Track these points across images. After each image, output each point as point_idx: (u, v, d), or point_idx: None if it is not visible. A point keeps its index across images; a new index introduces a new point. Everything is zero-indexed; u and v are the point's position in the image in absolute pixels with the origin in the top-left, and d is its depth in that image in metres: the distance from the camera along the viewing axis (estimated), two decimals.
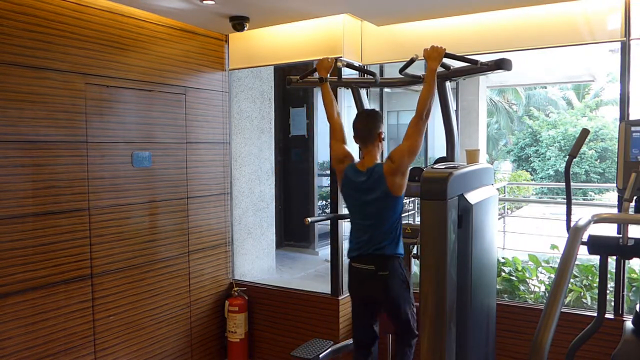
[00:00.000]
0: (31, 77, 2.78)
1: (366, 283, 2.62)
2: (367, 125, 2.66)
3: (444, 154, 2.95)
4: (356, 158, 2.76)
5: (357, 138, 2.70)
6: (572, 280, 3.56)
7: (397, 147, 2.53)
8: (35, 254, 2.82)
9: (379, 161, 2.64)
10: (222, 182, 4.09)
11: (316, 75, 2.88)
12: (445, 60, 2.57)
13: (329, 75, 2.84)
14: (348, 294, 3.73)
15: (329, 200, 5.39)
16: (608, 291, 2.76)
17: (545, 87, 17.86)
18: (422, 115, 2.48)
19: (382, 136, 2.67)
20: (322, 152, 6.43)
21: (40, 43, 2.82)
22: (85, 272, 3.07)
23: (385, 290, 2.57)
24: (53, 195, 2.90)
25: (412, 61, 2.64)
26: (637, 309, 1.78)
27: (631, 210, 2.04)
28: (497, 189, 3.17)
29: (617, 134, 2.57)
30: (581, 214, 1.48)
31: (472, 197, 2.39)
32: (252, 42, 3.97)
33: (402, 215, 2.65)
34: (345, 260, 3.81)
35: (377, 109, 6.71)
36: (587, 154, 15.02)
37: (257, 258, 4.54)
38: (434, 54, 2.47)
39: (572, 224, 1.39)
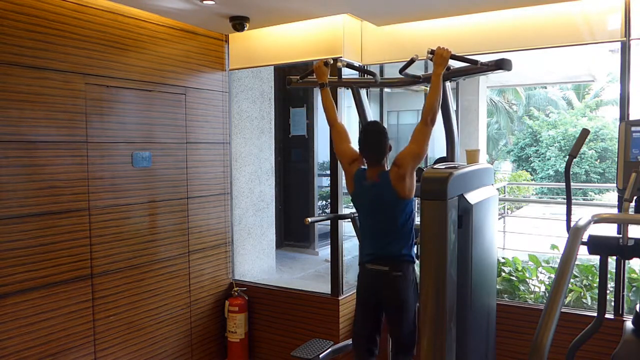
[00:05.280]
0: (31, 77, 2.78)
1: (378, 283, 2.60)
2: (379, 145, 2.59)
3: (444, 154, 2.95)
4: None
5: (368, 155, 2.62)
6: (572, 280, 3.56)
7: (403, 150, 2.52)
8: (35, 254, 2.82)
9: (386, 168, 2.63)
10: (222, 182, 4.09)
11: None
12: None
13: (328, 76, 2.85)
14: (348, 295, 3.74)
15: (329, 200, 5.39)
16: (608, 291, 2.76)
17: (546, 87, 17.86)
18: (427, 120, 2.47)
19: (390, 147, 2.64)
20: (322, 152, 6.42)
21: (40, 43, 2.82)
22: (85, 272, 3.07)
23: (396, 292, 2.55)
24: (53, 195, 2.90)
25: (412, 61, 2.63)
26: (637, 309, 1.78)
27: (631, 210, 2.04)
28: (497, 189, 3.16)
29: (617, 134, 2.57)
30: (581, 214, 1.48)
31: (472, 197, 2.39)
32: (252, 42, 3.97)
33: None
34: (345, 259, 3.82)
35: (377, 109, 6.73)
36: (587, 154, 15.02)
37: (257, 258, 4.54)
38: (439, 60, 2.46)
39: (572, 224, 1.40)
